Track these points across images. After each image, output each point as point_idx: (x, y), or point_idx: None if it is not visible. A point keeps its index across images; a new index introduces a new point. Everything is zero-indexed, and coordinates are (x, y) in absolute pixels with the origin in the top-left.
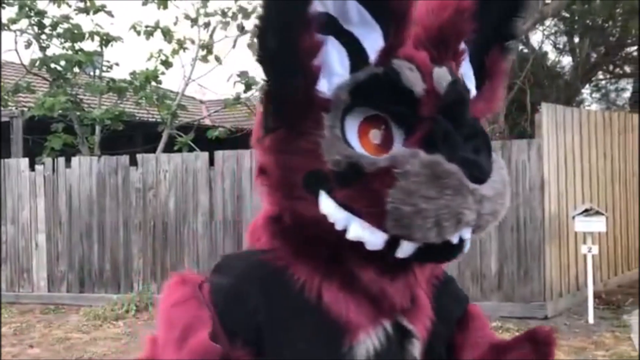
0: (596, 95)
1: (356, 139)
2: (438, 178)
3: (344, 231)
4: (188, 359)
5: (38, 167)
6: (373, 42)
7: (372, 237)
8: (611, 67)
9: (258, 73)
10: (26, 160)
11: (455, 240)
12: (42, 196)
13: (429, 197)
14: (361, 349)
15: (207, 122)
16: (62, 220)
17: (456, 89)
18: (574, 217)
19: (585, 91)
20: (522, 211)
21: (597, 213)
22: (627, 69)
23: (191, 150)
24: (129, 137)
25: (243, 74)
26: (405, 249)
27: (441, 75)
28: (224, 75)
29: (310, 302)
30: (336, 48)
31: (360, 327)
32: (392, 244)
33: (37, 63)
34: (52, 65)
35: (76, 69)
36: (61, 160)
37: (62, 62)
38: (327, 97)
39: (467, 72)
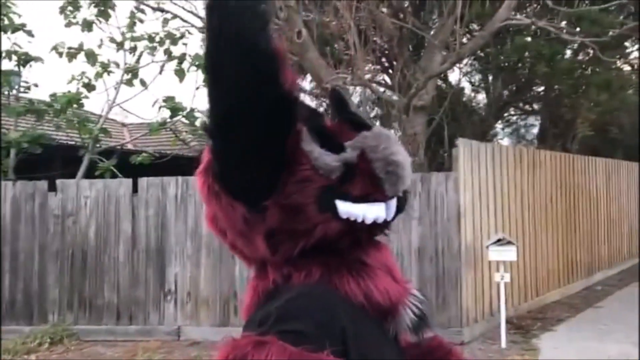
0: (508, 130)
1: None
2: (389, 136)
3: (360, 224)
4: None
5: None
6: None
7: (381, 210)
8: (521, 105)
9: (184, 99)
10: None
11: None
12: None
13: (397, 151)
14: (405, 318)
15: (130, 146)
16: None
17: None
18: (487, 247)
19: (498, 126)
20: (440, 240)
21: (509, 243)
22: (536, 106)
23: (114, 176)
24: (47, 162)
25: (169, 99)
26: (392, 208)
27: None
28: (148, 99)
29: (364, 305)
30: None
31: (399, 302)
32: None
33: None
34: None
35: None
36: None
37: None
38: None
39: None
